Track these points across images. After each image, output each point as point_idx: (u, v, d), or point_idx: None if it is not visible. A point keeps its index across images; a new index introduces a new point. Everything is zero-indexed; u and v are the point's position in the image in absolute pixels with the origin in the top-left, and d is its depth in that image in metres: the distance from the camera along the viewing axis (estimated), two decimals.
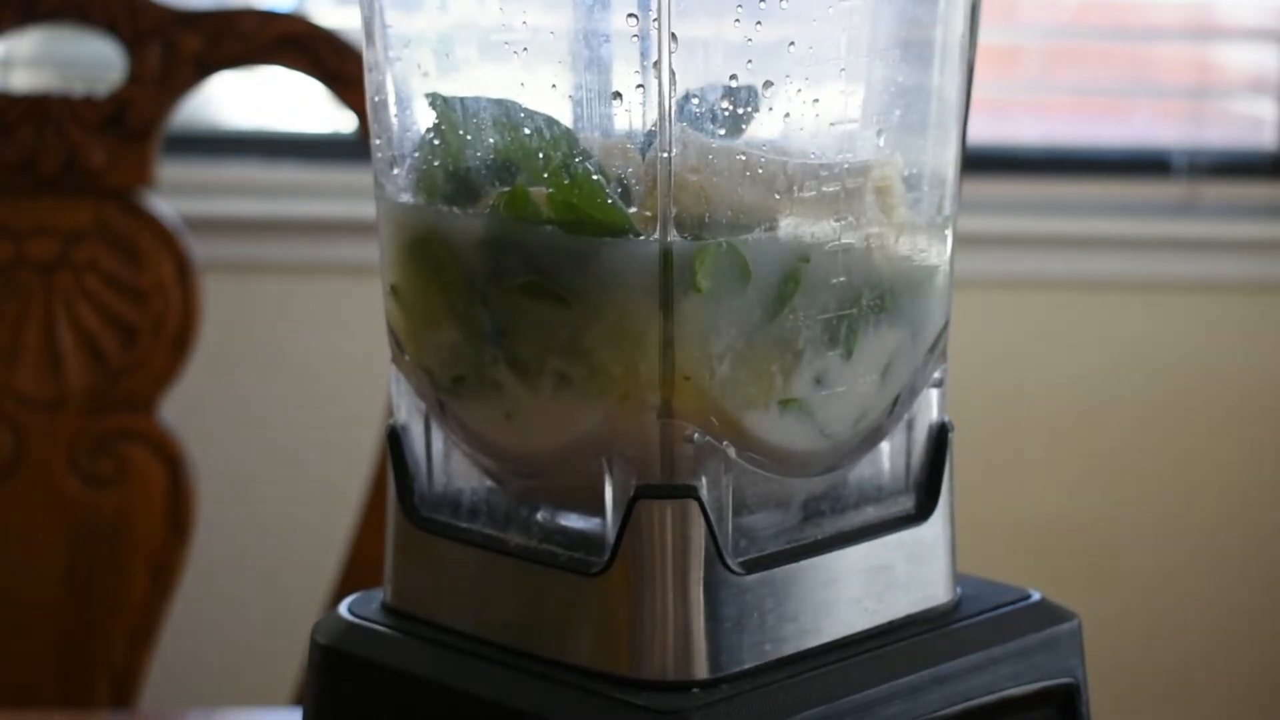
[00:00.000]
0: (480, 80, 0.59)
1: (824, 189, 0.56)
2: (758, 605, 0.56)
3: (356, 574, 1.16)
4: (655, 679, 0.55)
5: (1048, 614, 0.63)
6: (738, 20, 0.55)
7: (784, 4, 0.56)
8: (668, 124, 0.55)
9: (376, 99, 0.62)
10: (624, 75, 0.55)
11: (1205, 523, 1.99)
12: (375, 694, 0.60)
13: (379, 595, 0.63)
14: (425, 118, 0.59)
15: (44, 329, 1.19)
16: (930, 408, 0.62)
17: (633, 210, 0.56)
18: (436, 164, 0.59)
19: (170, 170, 1.33)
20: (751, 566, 0.57)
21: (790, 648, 0.57)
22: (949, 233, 0.61)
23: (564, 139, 0.57)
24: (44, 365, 1.19)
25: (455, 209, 0.58)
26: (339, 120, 1.95)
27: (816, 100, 0.57)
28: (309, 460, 1.94)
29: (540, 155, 0.57)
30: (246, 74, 1.27)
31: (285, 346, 1.94)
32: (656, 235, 0.55)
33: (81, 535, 1.19)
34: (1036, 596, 0.64)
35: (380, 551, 0.64)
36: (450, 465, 0.62)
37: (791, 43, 0.56)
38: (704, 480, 0.56)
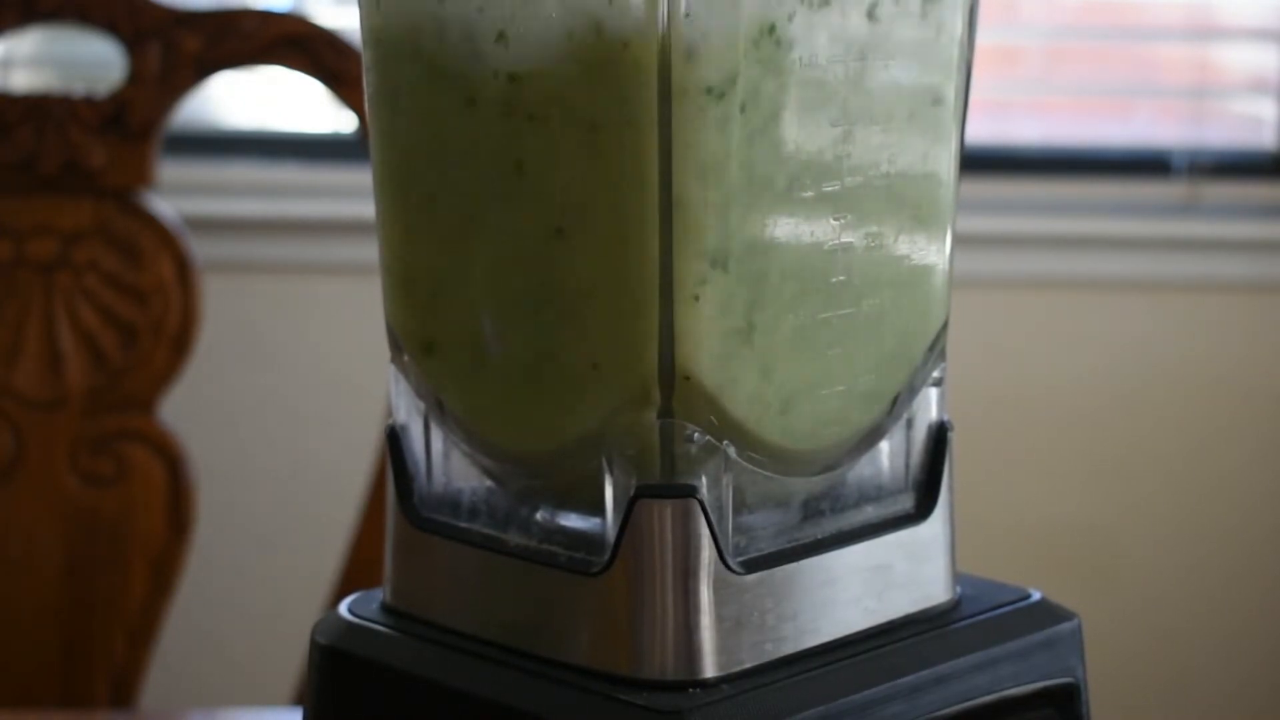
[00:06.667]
0: None
1: (823, 188, 0.56)
2: (757, 605, 0.56)
3: (356, 574, 1.16)
4: (655, 679, 0.55)
5: (1048, 614, 0.63)
6: None
7: None
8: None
9: None
10: None
11: (1205, 522, 1.99)
12: (375, 694, 0.60)
13: (379, 595, 0.63)
14: None
15: (44, 329, 1.19)
16: (929, 407, 0.62)
17: None
18: None
19: (170, 170, 1.33)
20: (751, 566, 0.57)
21: (790, 647, 0.57)
22: (948, 232, 0.61)
23: None
24: (44, 365, 1.19)
25: None
26: (339, 120, 1.96)
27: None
28: (309, 460, 1.94)
29: None
30: (246, 74, 1.27)
31: (285, 346, 1.94)
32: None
33: (81, 535, 1.19)
34: (1036, 596, 0.64)
35: (380, 551, 0.64)
36: (450, 465, 0.62)
37: None
38: (704, 480, 0.56)
